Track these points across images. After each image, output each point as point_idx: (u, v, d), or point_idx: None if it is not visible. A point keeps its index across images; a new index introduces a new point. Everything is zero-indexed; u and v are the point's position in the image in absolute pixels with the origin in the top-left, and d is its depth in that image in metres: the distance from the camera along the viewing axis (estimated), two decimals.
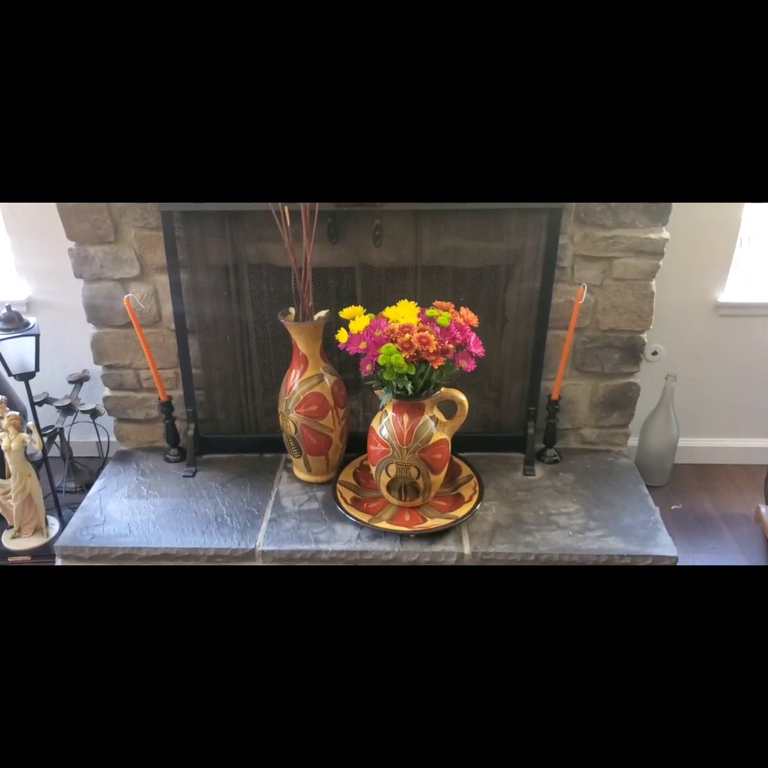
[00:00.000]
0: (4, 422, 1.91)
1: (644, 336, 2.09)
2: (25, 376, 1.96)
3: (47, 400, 2.22)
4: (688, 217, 2.07)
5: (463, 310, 1.77)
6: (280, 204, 1.81)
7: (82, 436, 2.36)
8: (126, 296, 1.94)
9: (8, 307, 1.91)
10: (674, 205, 1.91)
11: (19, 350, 1.91)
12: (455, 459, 2.07)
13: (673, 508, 2.34)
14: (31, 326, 1.92)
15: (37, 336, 1.92)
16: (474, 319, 1.77)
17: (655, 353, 2.33)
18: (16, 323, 1.89)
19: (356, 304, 1.82)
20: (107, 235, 1.95)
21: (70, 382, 2.30)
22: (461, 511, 1.90)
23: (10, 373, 1.94)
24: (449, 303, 1.78)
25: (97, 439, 2.34)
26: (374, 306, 1.83)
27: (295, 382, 1.94)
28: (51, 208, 1.92)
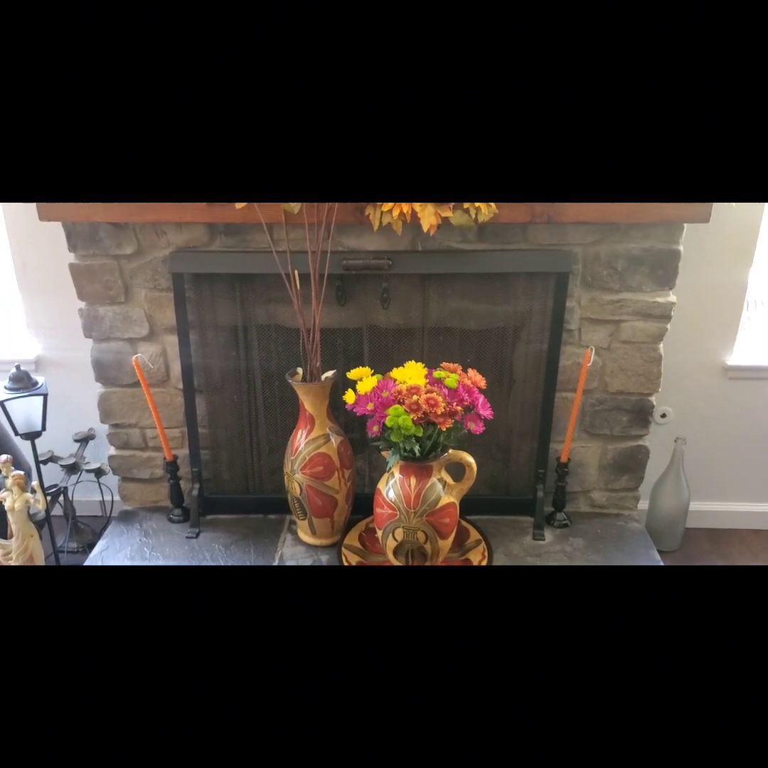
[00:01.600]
0: (9, 482, 1.89)
1: (653, 399, 2.08)
2: (32, 436, 1.95)
3: (52, 459, 2.21)
4: (695, 280, 2.08)
5: (471, 372, 1.77)
6: (290, 267, 1.83)
7: (85, 495, 2.34)
8: (135, 356, 1.95)
9: (17, 367, 1.92)
10: (681, 268, 1.93)
11: (26, 409, 1.91)
12: (463, 523, 2.03)
13: None
14: (39, 386, 1.92)
15: (45, 396, 1.92)
16: (482, 381, 1.76)
17: (664, 416, 2.31)
18: (24, 383, 1.90)
19: (364, 365, 1.82)
20: (118, 296, 1.97)
21: (76, 440, 2.29)
22: None
23: (16, 433, 1.94)
24: (457, 364, 1.78)
25: (101, 499, 2.32)
26: (382, 366, 1.83)
27: (301, 442, 1.92)
28: (63, 266, 1.95)
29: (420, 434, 1.66)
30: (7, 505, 1.89)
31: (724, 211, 1.88)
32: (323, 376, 1.91)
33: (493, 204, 1.74)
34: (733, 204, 1.86)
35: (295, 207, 1.78)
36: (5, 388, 1.89)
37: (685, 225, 1.87)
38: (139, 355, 1.98)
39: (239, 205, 1.78)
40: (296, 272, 1.83)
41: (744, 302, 2.19)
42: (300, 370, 1.94)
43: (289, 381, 1.89)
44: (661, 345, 2.01)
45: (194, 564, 1.97)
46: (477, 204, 1.74)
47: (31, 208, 1.83)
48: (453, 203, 1.75)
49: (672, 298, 1.95)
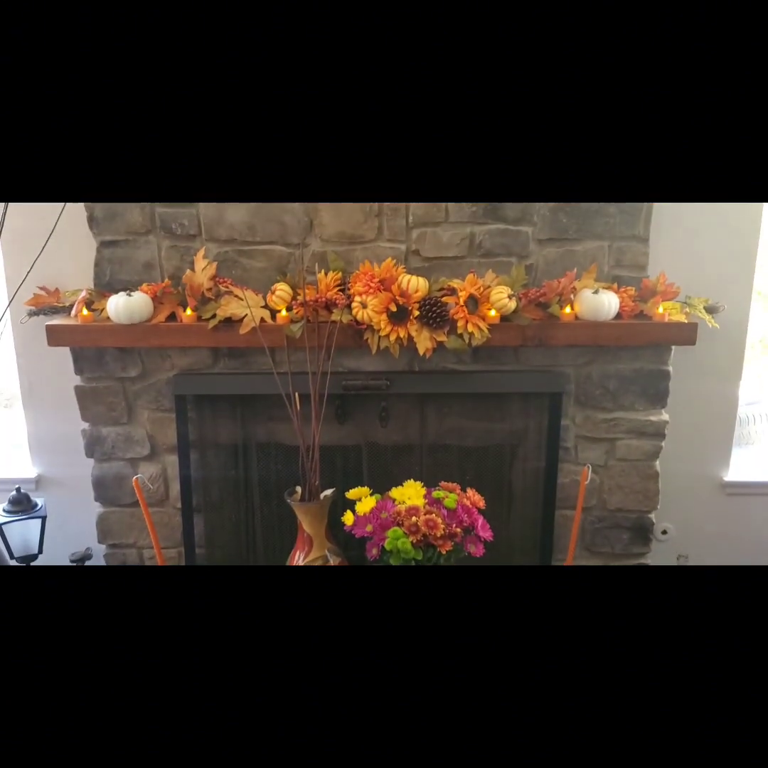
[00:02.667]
0: None
1: (652, 516, 2.08)
2: (28, 559, 1.94)
3: None
4: (687, 397, 2.12)
5: (470, 492, 1.78)
6: (291, 388, 1.88)
7: None
8: (135, 477, 1.96)
9: (18, 489, 1.93)
10: (672, 386, 1.98)
11: (24, 532, 1.90)
12: None
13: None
14: (38, 508, 1.93)
15: (44, 518, 1.92)
16: (481, 501, 1.76)
17: (664, 533, 2.30)
18: (23, 505, 1.90)
19: (362, 482, 1.83)
20: (121, 417, 2.01)
21: (73, 561, 2.25)
22: None
23: (12, 556, 1.92)
24: (455, 484, 1.79)
25: None
26: (381, 484, 1.84)
27: (299, 563, 1.90)
28: (68, 387, 1.99)
29: (419, 557, 1.64)
30: None
31: (710, 331, 1.95)
32: (322, 495, 1.92)
33: (485, 328, 1.81)
34: (718, 326, 1.94)
35: (297, 331, 1.84)
36: (4, 510, 1.89)
37: (673, 346, 1.94)
38: (139, 475, 1.99)
39: (243, 331, 1.85)
40: (297, 393, 1.87)
41: (736, 418, 2.23)
42: (299, 489, 1.95)
43: (288, 501, 1.90)
44: (657, 462, 2.03)
45: None
46: (470, 329, 1.81)
47: (40, 332, 1.90)
48: (447, 328, 1.82)
49: (665, 416, 1.99)
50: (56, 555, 2.23)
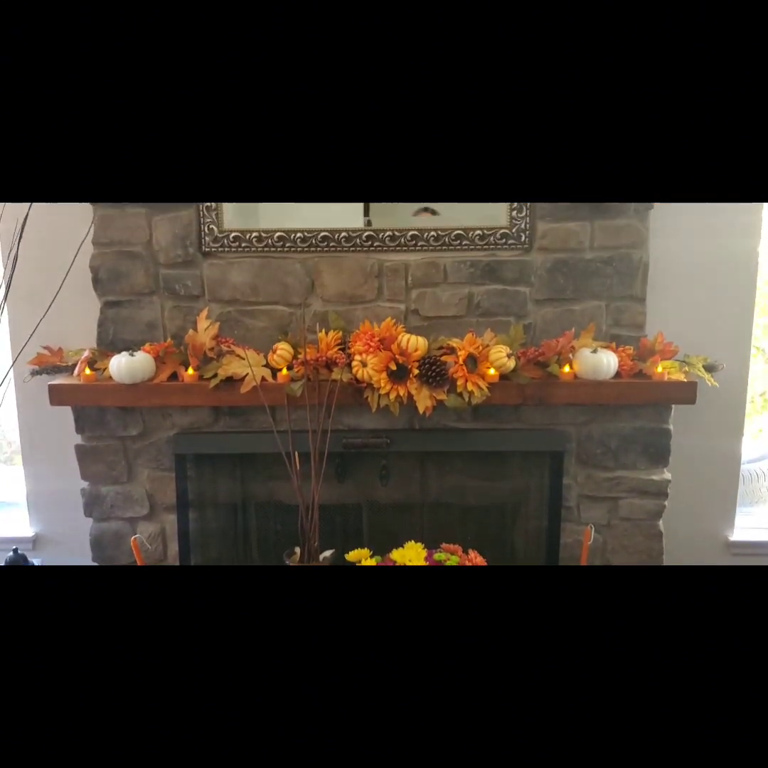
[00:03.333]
0: None
1: None
2: None
3: None
4: (689, 456, 2.11)
5: (472, 554, 1.76)
6: (291, 446, 1.87)
7: None
8: (133, 537, 1.95)
9: (15, 550, 1.91)
10: (674, 444, 1.97)
11: None
12: None
13: None
14: None
15: None
16: (483, 563, 1.75)
17: None
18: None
19: (362, 541, 1.82)
20: (121, 476, 2.00)
21: None
22: None
23: None
24: (457, 546, 1.78)
25: None
26: (381, 542, 1.82)
27: None
28: (68, 446, 1.99)
29: None
30: None
31: (709, 390, 1.95)
32: (321, 556, 1.89)
33: (484, 387, 1.82)
34: (717, 384, 1.94)
35: (297, 390, 1.85)
36: None
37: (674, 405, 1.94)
38: (137, 535, 1.98)
39: (244, 390, 1.86)
40: (297, 453, 1.87)
41: (739, 476, 2.21)
42: (298, 550, 1.93)
43: (287, 562, 1.87)
44: (661, 522, 2.01)
45: None
46: (469, 387, 1.81)
47: (43, 389, 1.91)
48: (447, 386, 1.83)
49: (667, 475, 1.98)
50: None
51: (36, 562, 1.94)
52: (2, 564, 1.89)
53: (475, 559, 1.74)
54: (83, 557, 2.07)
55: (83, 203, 1.88)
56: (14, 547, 1.94)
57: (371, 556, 1.76)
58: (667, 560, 2.05)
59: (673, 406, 1.95)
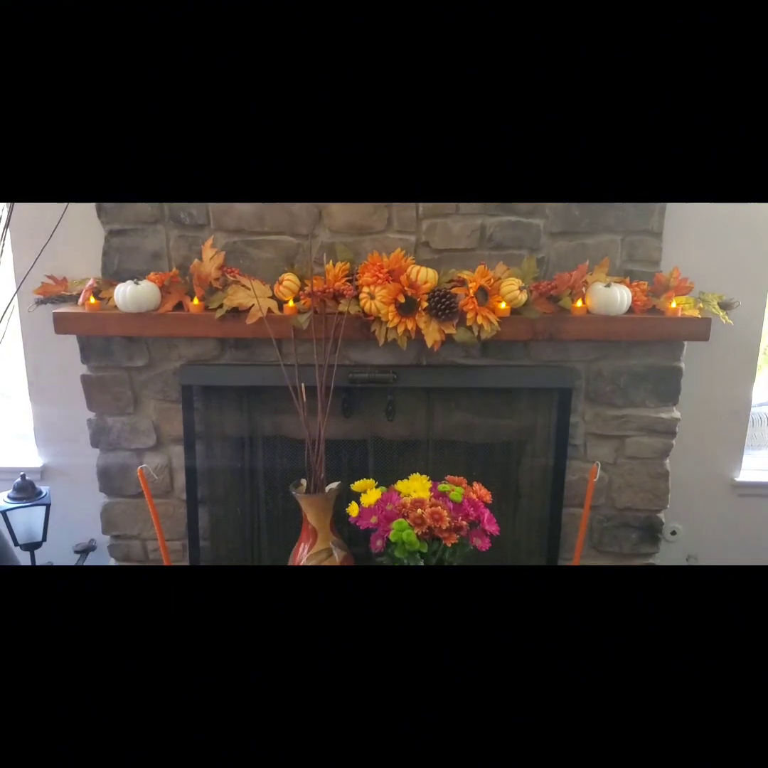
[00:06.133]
0: None
1: (662, 515, 2.05)
2: (31, 547, 1.93)
3: None
4: (699, 396, 2.09)
5: (476, 486, 1.76)
6: (297, 380, 1.86)
7: None
8: (140, 467, 1.95)
9: (22, 476, 1.92)
10: (684, 384, 1.95)
11: (28, 520, 1.89)
12: None
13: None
14: (42, 496, 1.92)
15: (48, 506, 1.91)
16: (487, 495, 1.74)
17: (674, 533, 2.26)
18: (28, 493, 1.89)
19: (368, 476, 1.81)
20: (127, 407, 2.00)
21: (76, 551, 2.25)
22: None
23: (16, 543, 1.91)
24: (462, 478, 1.77)
25: None
26: (386, 479, 1.82)
27: (303, 556, 1.88)
28: (74, 377, 1.99)
29: (425, 550, 1.62)
30: None
31: (723, 329, 1.92)
32: (327, 488, 1.90)
33: (494, 321, 1.79)
34: (732, 322, 1.91)
35: (304, 322, 1.83)
36: (8, 497, 1.89)
37: (686, 342, 1.91)
38: (144, 465, 1.98)
39: (250, 321, 1.83)
40: (303, 385, 1.86)
41: (748, 418, 2.19)
42: (304, 482, 1.93)
43: (293, 493, 1.88)
44: (668, 460, 2.00)
45: None
46: (479, 321, 1.79)
47: (47, 320, 1.89)
48: (456, 320, 1.80)
49: (676, 414, 1.96)
50: (60, 545, 2.23)
51: (44, 489, 1.95)
52: (10, 491, 1.91)
53: (480, 491, 1.74)
54: (91, 488, 2.09)
55: None
56: (22, 472, 1.95)
57: (376, 487, 1.76)
58: (672, 500, 2.04)
59: (686, 345, 1.92)
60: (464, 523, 1.66)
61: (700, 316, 1.84)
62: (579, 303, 1.83)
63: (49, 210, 1.85)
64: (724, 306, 1.91)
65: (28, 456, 2.30)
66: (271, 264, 1.91)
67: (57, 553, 2.20)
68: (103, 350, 1.95)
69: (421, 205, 1.86)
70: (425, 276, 1.80)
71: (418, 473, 1.79)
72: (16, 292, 1.95)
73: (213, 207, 1.87)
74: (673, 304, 1.83)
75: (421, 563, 1.62)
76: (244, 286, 1.85)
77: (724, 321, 1.89)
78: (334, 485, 1.91)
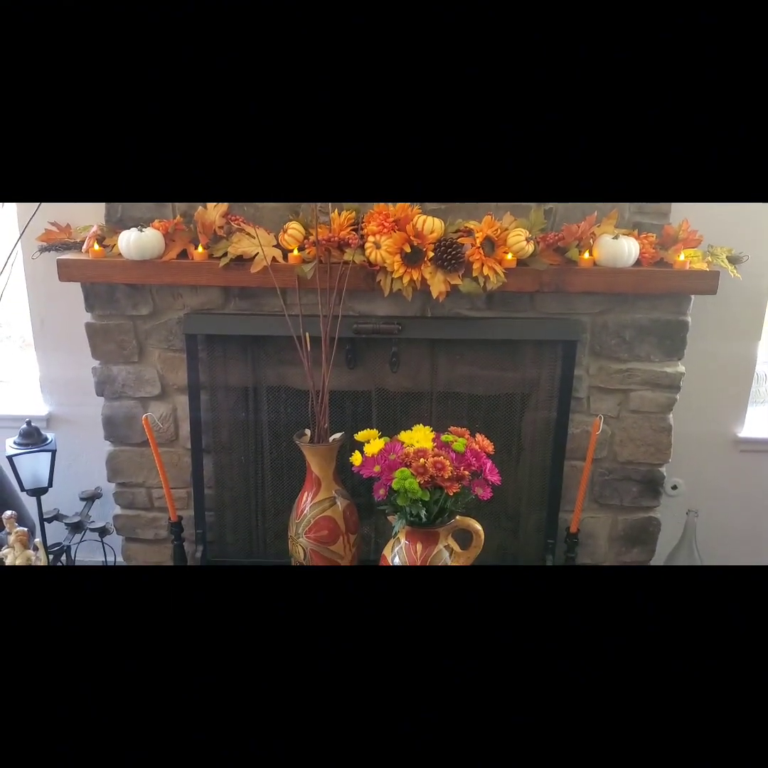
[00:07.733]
0: (11, 538, 1.87)
1: (663, 469, 2.06)
2: (38, 492, 1.95)
3: (57, 517, 2.19)
4: (704, 352, 2.08)
5: (479, 437, 1.76)
6: (302, 330, 1.86)
7: (88, 555, 2.31)
8: (145, 415, 1.96)
9: (28, 422, 1.94)
10: (689, 339, 1.94)
11: (33, 466, 1.91)
12: None
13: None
14: (48, 442, 1.93)
15: (54, 452, 1.93)
16: (489, 446, 1.75)
17: (675, 487, 2.28)
18: (34, 438, 1.91)
19: (371, 427, 1.82)
20: (132, 356, 2.00)
21: (82, 499, 2.28)
22: None
23: (23, 489, 1.94)
24: (465, 429, 1.78)
25: (104, 559, 2.29)
26: (389, 430, 1.83)
27: (306, 504, 1.91)
28: (79, 325, 1.99)
29: (427, 498, 1.64)
30: (7, 561, 1.87)
31: (731, 284, 1.90)
32: (331, 438, 1.91)
33: (501, 272, 1.78)
34: (740, 277, 1.89)
35: (308, 272, 1.82)
36: (14, 443, 1.91)
37: (693, 297, 1.90)
38: (149, 414, 1.99)
39: (254, 270, 1.82)
40: (307, 335, 1.86)
41: (753, 375, 2.18)
42: (308, 432, 1.94)
43: (297, 442, 1.89)
44: (671, 415, 2.00)
45: None
46: (485, 272, 1.77)
47: (51, 267, 1.88)
48: (462, 271, 1.79)
49: (681, 368, 1.96)
50: (66, 493, 2.25)
51: (50, 436, 1.96)
52: (16, 437, 1.92)
53: (482, 442, 1.74)
54: (96, 436, 2.10)
55: None
56: (28, 419, 1.96)
57: (379, 438, 1.77)
58: (674, 455, 2.05)
59: (693, 300, 1.91)
60: (466, 472, 1.67)
61: (708, 270, 1.82)
62: (586, 255, 1.81)
63: None
64: (733, 260, 1.89)
65: (34, 405, 2.31)
66: (276, 212, 1.89)
67: (63, 501, 2.23)
68: (107, 298, 1.94)
69: None
70: (431, 226, 1.78)
71: (421, 424, 1.80)
72: (20, 239, 1.93)
73: None
74: (682, 257, 1.81)
75: (423, 511, 1.64)
76: (248, 234, 1.83)
77: (732, 275, 1.87)
78: (337, 435, 1.92)
